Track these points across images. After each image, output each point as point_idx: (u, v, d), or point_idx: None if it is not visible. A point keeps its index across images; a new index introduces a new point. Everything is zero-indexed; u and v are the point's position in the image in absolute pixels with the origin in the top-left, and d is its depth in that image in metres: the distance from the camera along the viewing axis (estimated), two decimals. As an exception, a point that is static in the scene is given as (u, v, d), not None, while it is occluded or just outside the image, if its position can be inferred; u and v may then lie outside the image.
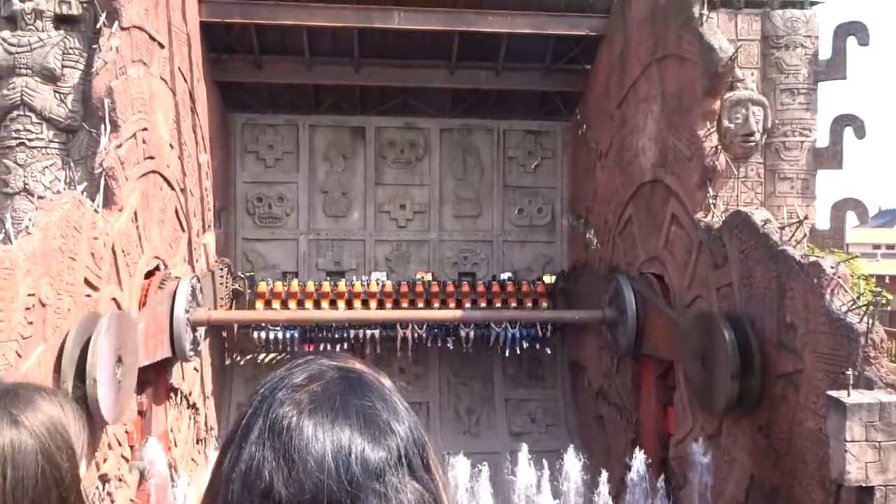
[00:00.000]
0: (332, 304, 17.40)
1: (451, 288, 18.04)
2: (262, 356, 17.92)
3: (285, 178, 19.19)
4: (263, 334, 16.92)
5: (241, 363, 18.02)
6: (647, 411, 14.03)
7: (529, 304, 18.17)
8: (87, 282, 9.82)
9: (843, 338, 8.41)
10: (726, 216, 11.47)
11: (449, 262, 19.66)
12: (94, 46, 11.37)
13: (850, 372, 8.02)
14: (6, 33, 11.64)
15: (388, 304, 17.56)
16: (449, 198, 19.81)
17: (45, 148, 11.49)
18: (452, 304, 17.59)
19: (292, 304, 17.25)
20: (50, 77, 11.53)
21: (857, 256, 15.89)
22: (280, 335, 16.96)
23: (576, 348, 18.81)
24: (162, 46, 12.99)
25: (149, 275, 12.30)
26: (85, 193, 10.44)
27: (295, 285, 17.67)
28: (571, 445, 15.08)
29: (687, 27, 12.64)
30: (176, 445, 13.29)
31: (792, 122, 14.04)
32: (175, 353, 12.48)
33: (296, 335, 17.05)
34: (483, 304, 17.88)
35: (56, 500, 1.20)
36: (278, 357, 17.70)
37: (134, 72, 11.66)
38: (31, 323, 8.44)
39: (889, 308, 22.91)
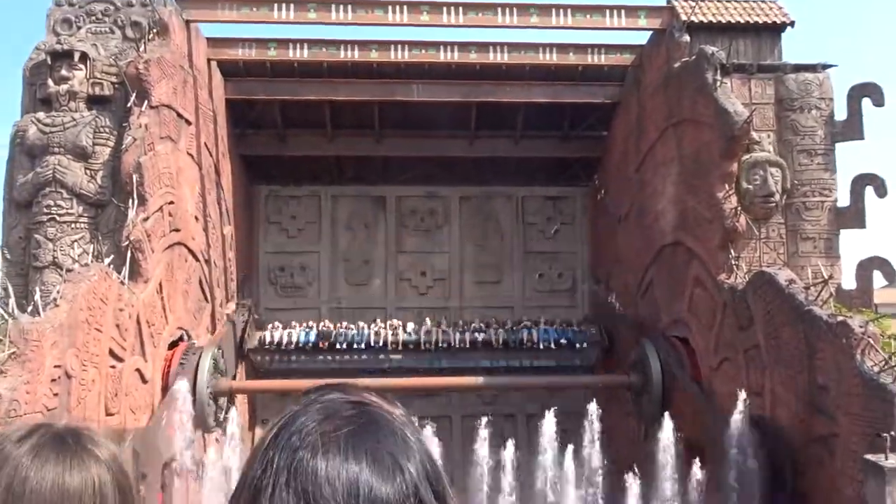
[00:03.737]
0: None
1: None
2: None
3: (308, 247, 19.42)
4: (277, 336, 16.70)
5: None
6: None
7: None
8: (111, 353, 9.91)
9: (878, 399, 8.17)
10: (750, 277, 11.37)
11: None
12: (124, 124, 11.80)
13: (887, 434, 7.75)
14: (41, 114, 12.14)
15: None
16: (469, 265, 19.85)
17: (75, 223, 11.79)
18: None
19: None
20: (82, 154, 11.93)
21: (886, 316, 15.58)
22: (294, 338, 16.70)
23: (602, 414, 18.38)
24: (189, 123, 13.45)
25: (172, 345, 12.38)
26: (112, 266, 10.65)
27: None
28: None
29: (701, 92, 12.86)
30: (196, 520, 13.05)
31: (811, 183, 14.03)
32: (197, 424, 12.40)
33: (311, 339, 16.84)
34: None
35: None
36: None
37: (162, 148, 12.06)
38: (56, 395, 8.49)
39: (924, 369, 22.27)
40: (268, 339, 16.72)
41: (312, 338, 16.87)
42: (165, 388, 12.00)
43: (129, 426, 10.41)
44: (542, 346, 17.42)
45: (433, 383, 17.33)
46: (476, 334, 17.47)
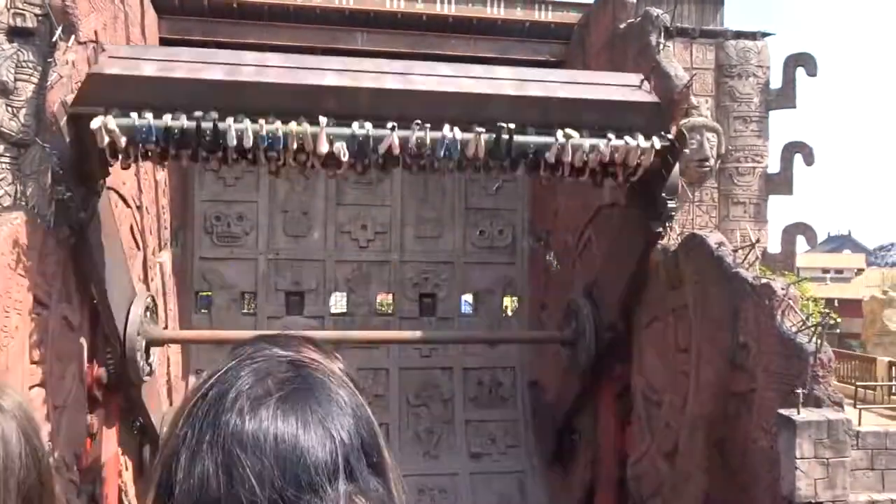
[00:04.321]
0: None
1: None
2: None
3: (245, 196, 18.99)
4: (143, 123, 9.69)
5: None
6: (604, 431, 14.13)
7: None
8: (36, 299, 9.55)
9: (794, 357, 8.63)
10: (682, 239, 11.72)
11: (410, 282, 19.63)
12: (49, 60, 11.15)
13: (800, 391, 8.21)
14: (-43, 45, 11.34)
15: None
16: (410, 219, 19.82)
17: (-4, 162, 11.18)
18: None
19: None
20: (2, 91, 11.24)
21: (806, 279, 16.36)
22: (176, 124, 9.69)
23: (535, 368, 18.90)
24: (120, 62, 12.81)
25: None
26: (36, 209, 10.20)
27: None
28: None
29: (644, 55, 12.98)
30: (127, 469, 12.92)
31: (745, 149, 14.46)
32: (128, 373, 12.16)
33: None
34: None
35: (36, 482, 1.25)
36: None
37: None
38: (-25, 341, 8.17)
39: (837, 330, 23.57)
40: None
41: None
42: (94, 337, 11.69)
43: (55, 375, 10.13)
44: None
45: (371, 337, 17.41)
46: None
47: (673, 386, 11.30)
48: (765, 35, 15.04)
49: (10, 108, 11.28)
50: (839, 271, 52.48)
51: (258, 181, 19.05)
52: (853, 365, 18.41)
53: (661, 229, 11.64)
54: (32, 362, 9.51)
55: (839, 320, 22.74)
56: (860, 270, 51.33)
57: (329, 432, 0.90)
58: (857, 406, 11.94)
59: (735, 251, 10.70)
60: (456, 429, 18.93)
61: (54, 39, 11.06)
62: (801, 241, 14.19)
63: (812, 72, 14.55)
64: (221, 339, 16.51)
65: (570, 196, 16.41)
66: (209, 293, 18.98)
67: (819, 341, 8.65)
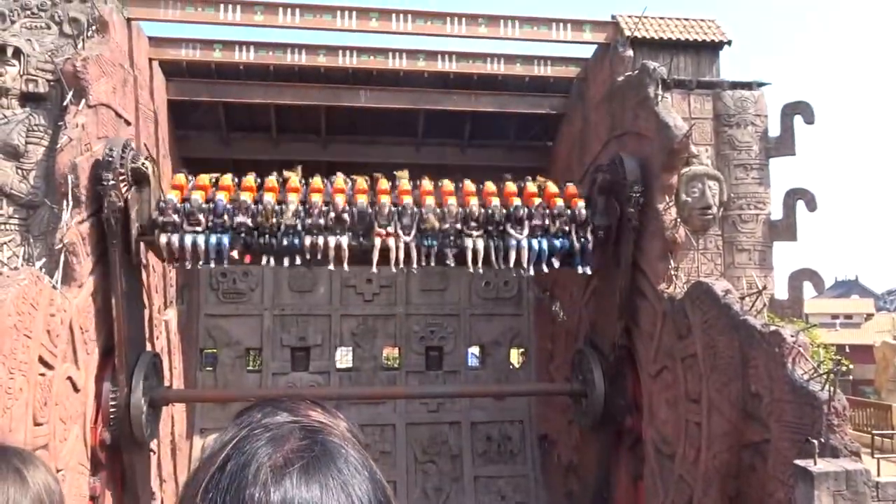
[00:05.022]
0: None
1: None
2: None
3: (251, 253, 19.07)
4: (176, 239, 12.14)
5: (204, 444, 17.36)
6: (617, 486, 13.81)
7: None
8: (41, 360, 9.51)
9: (807, 406, 8.48)
10: (688, 287, 11.68)
11: (416, 336, 19.51)
12: (59, 123, 11.39)
13: (815, 440, 8.05)
14: (-30, 110, 11.60)
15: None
16: (415, 272, 19.78)
17: (5, 224, 11.31)
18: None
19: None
20: (13, 154, 11.46)
21: (815, 326, 16.22)
22: (202, 241, 12.17)
23: (544, 421, 18.61)
24: (129, 124, 13.07)
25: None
26: (44, 269, 10.26)
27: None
28: None
29: (643, 106, 13.17)
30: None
31: (747, 196, 14.54)
32: (132, 435, 12.01)
33: (225, 242, 12.28)
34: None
35: None
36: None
37: (99, 148, 11.68)
38: (-21, 404, 8.11)
39: (850, 376, 23.25)
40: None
41: (226, 244, 12.37)
42: (99, 397, 11.60)
43: (58, 436, 10.02)
44: (531, 270, 13.18)
45: (377, 393, 17.24)
46: (446, 249, 13.28)
47: (685, 437, 11.09)
48: (760, 85, 15.28)
49: (20, 171, 11.48)
50: (848, 317, 52.08)
51: (264, 237, 19.14)
52: (868, 413, 18.08)
53: (634, 210, 12.58)
54: (36, 424, 9.41)
55: (851, 366, 22.45)
56: (869, 315, 50.89)
57: (351, 499, 0.91)
58: (875, 455, 11.69)
59: (742, 298, 10.65)
60: (465, 486, 18.54)
61: (65, 103, 11.32)
62: (808, 287, 14.12)
63: (809, 119, 14.72)
64: (226, 398, 16.38)
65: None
66: (214, 350, 18.88)
67: (832, 389, 8.52)
